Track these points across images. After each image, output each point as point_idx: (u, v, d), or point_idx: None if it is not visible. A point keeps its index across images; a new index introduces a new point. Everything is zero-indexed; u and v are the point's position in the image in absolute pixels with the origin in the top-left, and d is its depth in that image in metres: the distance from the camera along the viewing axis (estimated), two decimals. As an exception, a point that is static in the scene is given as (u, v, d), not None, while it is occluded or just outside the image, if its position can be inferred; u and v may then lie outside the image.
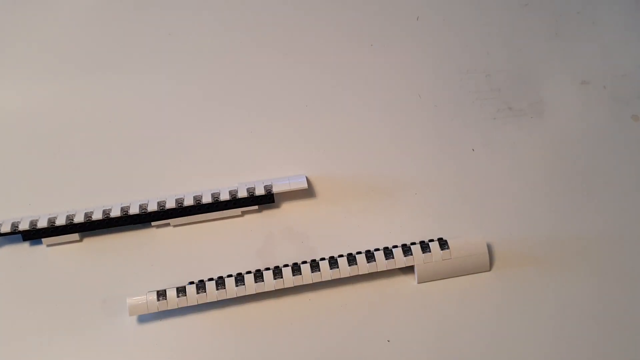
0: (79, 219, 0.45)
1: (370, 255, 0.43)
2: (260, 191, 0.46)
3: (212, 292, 0.42)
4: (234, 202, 0.47)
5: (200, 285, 0.42)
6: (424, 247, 0.44)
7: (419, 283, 0.44)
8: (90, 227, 0.46)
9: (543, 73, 0.55)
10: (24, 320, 0.43)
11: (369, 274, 0.43)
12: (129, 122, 0.52)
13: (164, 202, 0.46)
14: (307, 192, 0.49)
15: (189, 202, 0.46)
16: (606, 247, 0.47)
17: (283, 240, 0.47)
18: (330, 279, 0.43)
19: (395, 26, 0.58)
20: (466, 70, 0.55)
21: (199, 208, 0.46)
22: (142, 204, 0.46)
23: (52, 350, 0.42)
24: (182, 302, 0.41)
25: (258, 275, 0.42)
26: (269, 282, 0.42)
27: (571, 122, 0.53)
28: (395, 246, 0.44)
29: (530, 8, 0.59)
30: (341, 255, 0.44)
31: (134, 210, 0.46)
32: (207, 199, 0.46)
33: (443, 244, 0.44)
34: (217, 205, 0.47)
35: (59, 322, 0.43)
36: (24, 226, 0.45)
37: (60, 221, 0.45)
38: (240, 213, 0.48)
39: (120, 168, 0.50)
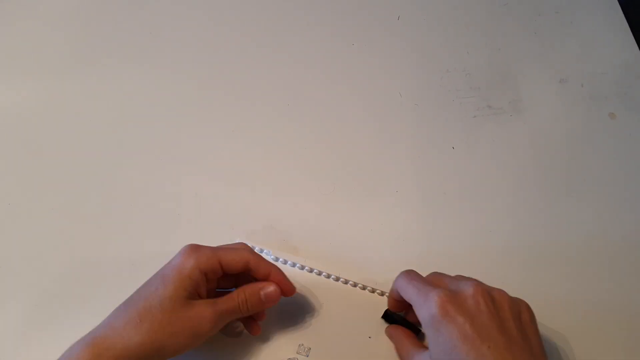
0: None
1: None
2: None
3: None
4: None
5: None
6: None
7: None
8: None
9: (522, 72, 0.56)
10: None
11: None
12: (111, 121, 0.52)
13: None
14: (287, 190, 0.49)
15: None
16: (585, 242, 0.47)
17: (264, 234, 0.47)
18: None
19: (376, 25, 0.58)
20: (446, 69, 0.56)
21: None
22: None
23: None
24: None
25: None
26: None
27: (550, 120, 0.53)
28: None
29: (510, 8, 0.60)
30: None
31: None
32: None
33: None
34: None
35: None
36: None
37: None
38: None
39: (103, 167, 0.50)
